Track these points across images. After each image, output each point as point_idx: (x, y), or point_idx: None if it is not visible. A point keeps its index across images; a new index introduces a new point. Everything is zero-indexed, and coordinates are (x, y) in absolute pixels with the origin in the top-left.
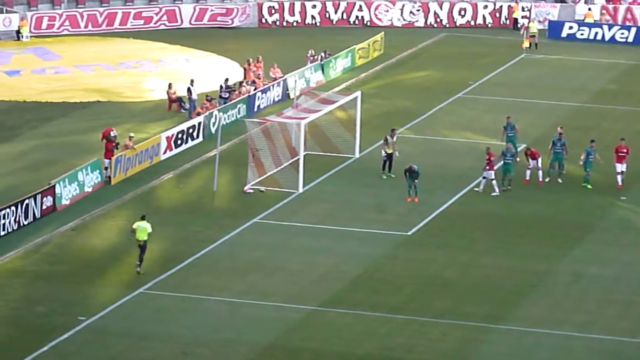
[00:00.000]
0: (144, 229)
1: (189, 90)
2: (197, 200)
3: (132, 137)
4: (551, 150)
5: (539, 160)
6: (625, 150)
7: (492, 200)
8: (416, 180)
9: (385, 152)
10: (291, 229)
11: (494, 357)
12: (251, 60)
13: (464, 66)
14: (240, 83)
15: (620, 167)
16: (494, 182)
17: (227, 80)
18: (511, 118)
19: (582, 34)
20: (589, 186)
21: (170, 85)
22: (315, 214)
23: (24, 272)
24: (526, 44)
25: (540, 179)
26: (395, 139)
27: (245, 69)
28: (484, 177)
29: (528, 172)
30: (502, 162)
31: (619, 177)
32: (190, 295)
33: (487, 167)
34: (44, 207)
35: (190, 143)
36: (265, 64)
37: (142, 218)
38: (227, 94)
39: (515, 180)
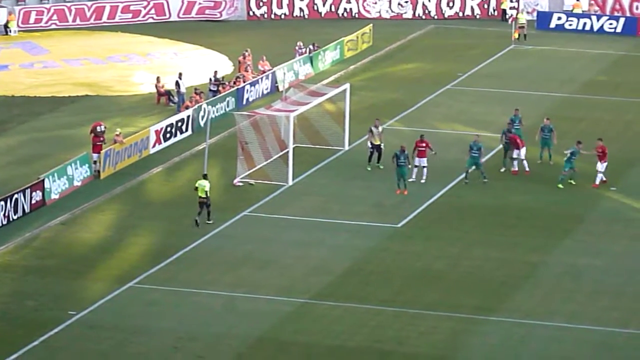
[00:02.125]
0: (202, 187)
1: (177, 83)
2: (186, 194)
3: (120, 132)
4: (540, 137)
5: (523, 150)
6: (600, 151)
7: (482, 191)
8: (405, 174)
9: (371, 144)
10: (281, 221)
11: (485, 349)
12: (246, 53)
13: (453, 58)
14: (237, 77)
15: (600, 167)
16: (416, 170)
17: (216, 73)
18: (519, 110)
19: (570, 25)
20: (561, 186)
21: (158, 79)
22: (305, 206)
23: (14, 267)
24: (515, 35)
25: (527, 169)
26: (380, 129)
27: (239, 62)
28: (416, 166)
29: (515, 162)
30: (469, 155)
31: (598, 176)
32: (180, 289)
33: (418, 155)
34: (33, 201)
35: (180, 136)
36: (254, 57)
37: (204, 177)
38: (216, 87)
39: (506, 172)
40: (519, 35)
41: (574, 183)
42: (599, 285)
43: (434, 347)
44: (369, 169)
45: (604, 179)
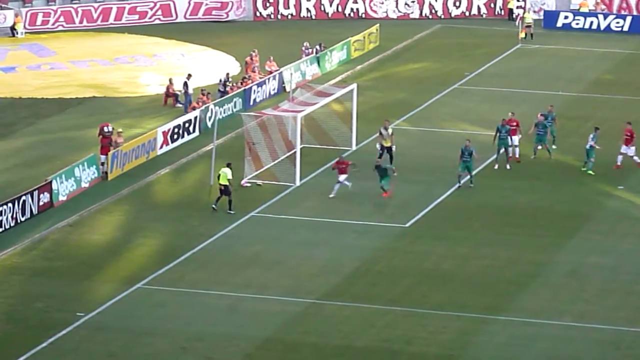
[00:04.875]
0: (224, 174)
1: (185, 84)
2: (194, 195)
3: (121, 132)
4: (534, 131)
5: (516, 137)
6: (629, 134)
7: (490, 191)
8: (388, 177)
9: (381, 146)
10: (289, 222)
11: (494, 348)
12: (253, 54)
13: (460, 57)
14: (244, 78)
15: (625, 149)
16: (337, 186)
17: (228, 74)
18: (553, 108)
19: (577, 24)
20: (591, 172)
21: (170, 81)
22: (313, 207)
23: (22, 269)
24: (522, 35)
25: (517, 156)
26: (390, 131)
27: (247, 63)
28: (339, 182)
29: (509, 149)
30: (461, 160)
31: (619, 157)
32: (188, 290)
33: (339, 173)
34: (41, 203)
35: (187, 137)
36: (261, 58)
37: (227, 165)
38: (224, 88)
39: (511, 170)
40: (525, 34)
41: (586, 170)
42: (607, 284)
43: (442, 347)
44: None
45: (638, 160)
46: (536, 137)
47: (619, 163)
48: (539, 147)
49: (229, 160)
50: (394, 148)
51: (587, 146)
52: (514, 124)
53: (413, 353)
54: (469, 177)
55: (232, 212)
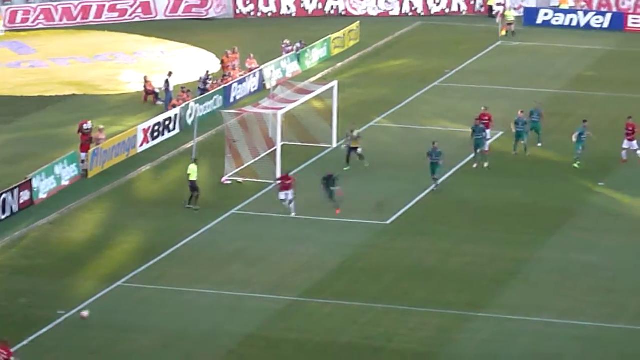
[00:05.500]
0: (192, 170)
1: (166, 81)
2: (175, 192)
3: (102, 128)
4: (515, 129)
5: (489, 131)
6: (631, 128)
7: (471, 188)
8: (337, 187)
9: (348, 147)
10: (270, 219)
11: (475, 345)
12: (229, 52)
13: (440, 54)
14: (224, 75)
15: (628, 144)
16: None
17: (208, 72)
18: (539, 103)
19: (557, 21)
20: (576, 165)
21: (146, 78)
22: (294, 204)
23: (2, 267)
24: (503, 32)
25: (487, 149)
26: (356, 133)
27: (223, 61)
28: (281, 200)
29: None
30: (429, 162)
31: (623, 153)
32: (170, 287)
33: (282, 189)
34: (21, 201)
35: (167, 135)
36: (241, 55)
37: (194, 161)
38: (204, 86)
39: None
40: (506, 32)
41: (577, 166)
42: (589, 280)
43: (423, 344)
44: (346, 169)
45: None
46: (516, 133)
47: (624, 158)
48: (522, 142)
49: (210, 157)
50: (359, 150)
51: (574, 138)
52: (487, 118)
53: (394, 350)
54: (434, 181)
55: (192, 207)
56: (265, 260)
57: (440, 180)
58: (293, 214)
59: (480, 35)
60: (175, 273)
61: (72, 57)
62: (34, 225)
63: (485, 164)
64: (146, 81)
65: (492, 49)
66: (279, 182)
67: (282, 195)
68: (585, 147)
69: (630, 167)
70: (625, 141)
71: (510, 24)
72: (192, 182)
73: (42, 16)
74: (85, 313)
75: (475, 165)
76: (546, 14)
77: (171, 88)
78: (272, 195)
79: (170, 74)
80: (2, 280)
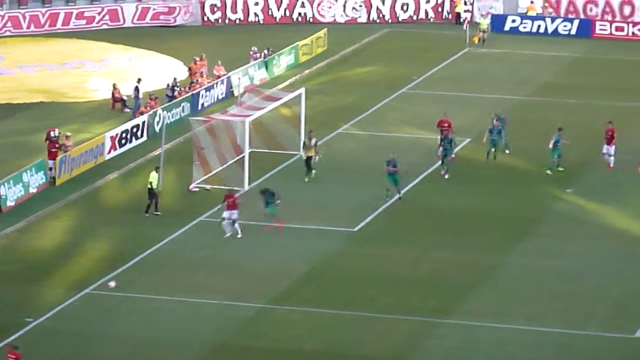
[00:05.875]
0: (153, 178)
1: (136, 88)
2: (142, 200)
3: (70, 135)
4: (488, 138)
5: (450, 137)
6: (610, 134)
7: (438, 195)
8: (278, 201)
9: (305, 156)
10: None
11: (442, 351)
12: (197, 59)
13: (408, 61)
14: (191, 83)
15: (607, 149)
16: (226, 223)
17: (175, 79)
18: (501, 110)
19: (525, 27)
20: (549, 172)
21: (115, 86)
22: (261, 211)
23: None
24: (475, 40)
25: (453, 155)
26: (314, 141)
27: (190, 68)
28: (223, 218)
29: (440, 149)
30: (387, 172)
31: (609, 159)
32: (137, 295)
33: (227, 208)
34: None
35: (135, 142)
36: (209, 62)
37: (156, 169)
38: (172, 93)
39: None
40: (479, 39)
41: (562, 169)
42: (556, 286)
43: (390, 350)
44: (307, 180)
45: (612, 164)
46: (491, 141)
47: (611, 165)
48: (493, 150)
49: (177, 164)
50: (316, 158)
51: (550, 145)
52: (446, 124)
53: (362, 356)
54: (397, 193)
55: (157, 213)
56: (232, 267)
57: (394, 195)
58: (239, 235)
59: (448, 42)
60: (143, 280)
61: (40, 65)
62: (2, 233)
63: (446, 175)
64: (115, 88)
65: (460, 55)
66: (224, 201)
67: (225, 214)
68: (562, 155)
69: (598, 174)
70: (605, 146)
71: (484, 32)
72: (151, 189)
73: (9, 23)
74: (112, 283)
75: (442, 173)
76: (514, 21)
77: (140, 95)
78: (240, 201)
79: (139, 80)
80: None
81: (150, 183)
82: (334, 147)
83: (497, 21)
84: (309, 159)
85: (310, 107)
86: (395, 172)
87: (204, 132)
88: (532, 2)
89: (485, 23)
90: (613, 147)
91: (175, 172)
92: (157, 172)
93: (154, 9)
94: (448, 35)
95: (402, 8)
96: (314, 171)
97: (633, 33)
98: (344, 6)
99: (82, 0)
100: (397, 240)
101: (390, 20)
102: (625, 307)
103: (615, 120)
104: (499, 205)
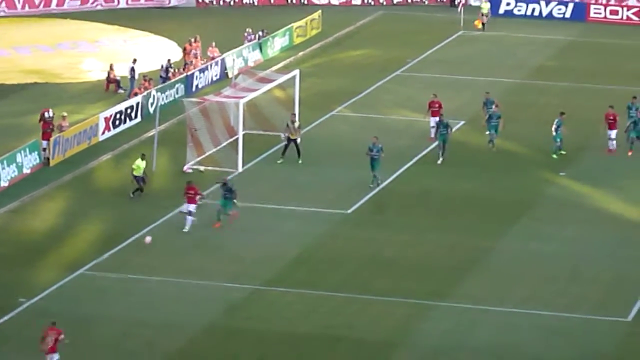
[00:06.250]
0: (137, 165)
1: (132, 69)
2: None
3: (65, 116)
4: (487, 122)
5: (436, 118)
6: (612, 118)
7: (432, 178)
8: (235, 201)
9: (288, 137)
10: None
11: (436, 334)
12: (191, 40)
13: (402, 44)
14: (186, 64)
15: (610, 133)
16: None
17: (169, 60)
18: (490, 94)
19: (519, 10)
20: (555, 156)
21: (111, 66)
22: (255, 193)
23: None
24: (479, 25)
25: (432, 135)
26: (297, 124)
27: (185, 49)
28: (181, 212)
29: (433, 130)
30: (369, 158)
31: (613, 143)
32: (130, 276)
33: (187, 201)
34: None
35: (129, 123)
36: (203, 44)
37: (142, 157)
38: (166, 74)
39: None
40: (482, 24)
41: (564, 152)
42: (548, 270)
43: (384, 333)
44: (280, 162)
45: (612, 147)
46: (490, 126)
47: (614, 148)
48: (494, 133)
49: (171, 146)
50: (298, 140)
51: (553, 130)
52: (437, 105)
53: (355, 339)
54: (375, 178)
55: (132, 196)
56: (226, 249)
57: (376, 181)
58: (186, 229)
59: (442, 25)
60: (136, 262)
61: (34, 46)
62: None
63: (439, 161)
64: (111, 69)
65: (454, 38)
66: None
67: (183, 208)
68: (562, 139)
69: (592, 157)
70: (608, 130)
71: (485, 16)
72: (136, 177)
73: (3, 4)
74: (148, 238)
75: (440, 162)
76: (508, 4)
77: (136, 76)
78: (234, 183)
79: (134, 61)
80: None
81: (133, 170)
82: (328, 129)
83: (492, 4)
84: (289, 141)
85: (304, 89)
86: (378, 158)
87: (197, 113)
88: None
89: (486, 7)
90: (615, 131)
91: (169, 153)
92: (142, 160)
93: None
94: (442, 18)
95: None
96: (300, 158)
97: (627, 17)
98: None
99: None
100: (391, 223)
101: (384, 3)
102: (619, 291)
103: (609, 104)
104: (493, 188)
